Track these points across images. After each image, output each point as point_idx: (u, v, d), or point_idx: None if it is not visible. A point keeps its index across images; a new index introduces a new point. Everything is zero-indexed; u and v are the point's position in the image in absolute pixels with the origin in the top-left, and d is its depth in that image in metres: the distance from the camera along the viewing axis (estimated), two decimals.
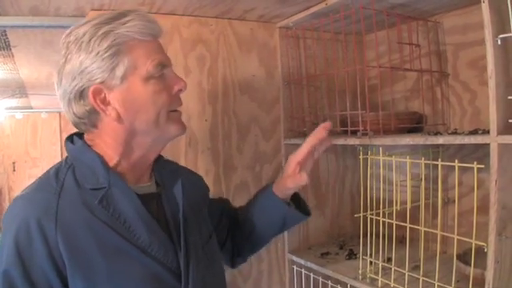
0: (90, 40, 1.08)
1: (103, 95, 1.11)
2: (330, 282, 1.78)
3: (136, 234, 1.08)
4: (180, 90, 1.18)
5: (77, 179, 1.11)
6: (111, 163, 1.15)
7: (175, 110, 1.19)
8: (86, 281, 1.01)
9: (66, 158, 1.18)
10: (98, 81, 1.09)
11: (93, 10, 1.66)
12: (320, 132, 1.42)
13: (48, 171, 1.15)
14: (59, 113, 6.64)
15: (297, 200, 1.51)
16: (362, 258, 1.65)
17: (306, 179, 1.38)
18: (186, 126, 1.23)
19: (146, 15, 1.14)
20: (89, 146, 1.17)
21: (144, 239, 1.09)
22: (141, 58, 1.10)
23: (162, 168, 1.31)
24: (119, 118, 1.12)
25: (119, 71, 1.09)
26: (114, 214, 1.08)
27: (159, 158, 1.31)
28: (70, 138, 1.20)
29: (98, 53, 1.07)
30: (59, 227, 1.01)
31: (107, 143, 1.15)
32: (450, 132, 1.60)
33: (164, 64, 1.14)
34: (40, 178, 1.14)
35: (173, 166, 1.39)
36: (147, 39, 1.12)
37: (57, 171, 1.13)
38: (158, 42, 1.18)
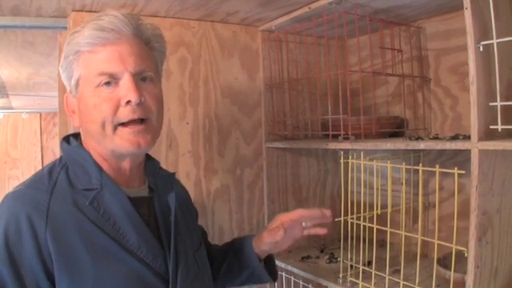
0: (63, 49, 1.14)
1: (71, 103, 1.17)
2: (310, 286, 1.77)
3: (125, 237, 1.08)
4: (129, 102, 1.07)
5: (70, 179, 1.11)
6: (102, 165, 1.15)
7: (133, 123, 1.09)
8: (72, 280, 1.00)
9: (61, 157, 1.18)
10: (68, 89, 1.17)
11: (74, 10, 1.65)
12: (316, 213, 1.45)
13: (41, 170, 1.16)
14: (40, 113, 6.56)
15: (269, 263, 1.50)
16: (343, 262, 1.65)
17: (282, 234, 1.37)
18: (143, 143, 1.11)
19: (99, 23, 1.08)
20: (84, 147, 1.17)
21: (133, 242, 1.08)
22: (87, 68, 1.10)
23: (156, 173, 1.30)
24: (80, 127, 1.17)
25: (74, 80, 1.13)
26: (104, 215, 1.08)
27: (153, 163, 1.31)
28: (67, 139, 1.21)
29: (61, 64, 1.15)
30: (49, 225, 1.00)
31: (92, 146, 1.16)
32: (431, 137, 1.61)
33: (109, 73, 1.07)
34: (33, 175, 1.15)
35: (168, 173, 1.38)
36: (95, 49, 1.08)
37: (50, 170, 1.13)
38: (115, 47, 1.09)
